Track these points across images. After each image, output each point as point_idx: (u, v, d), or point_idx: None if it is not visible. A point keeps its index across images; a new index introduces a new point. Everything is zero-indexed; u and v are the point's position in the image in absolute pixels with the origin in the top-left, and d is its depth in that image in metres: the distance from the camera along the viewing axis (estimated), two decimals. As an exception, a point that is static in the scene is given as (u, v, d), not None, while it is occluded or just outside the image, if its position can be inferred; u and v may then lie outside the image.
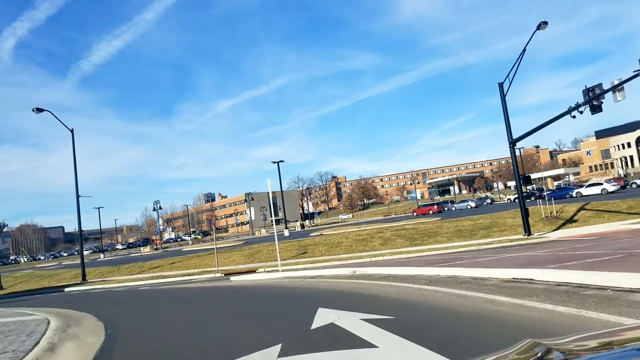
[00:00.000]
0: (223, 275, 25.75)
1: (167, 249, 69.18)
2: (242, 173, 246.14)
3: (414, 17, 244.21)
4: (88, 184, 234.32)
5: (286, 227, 61.81)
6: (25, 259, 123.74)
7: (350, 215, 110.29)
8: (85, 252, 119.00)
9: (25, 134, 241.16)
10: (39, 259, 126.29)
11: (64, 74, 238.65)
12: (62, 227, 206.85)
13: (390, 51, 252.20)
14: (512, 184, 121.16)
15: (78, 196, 29.86)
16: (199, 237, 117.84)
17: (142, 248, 75.85)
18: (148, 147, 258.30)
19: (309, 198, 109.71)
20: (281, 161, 65.55)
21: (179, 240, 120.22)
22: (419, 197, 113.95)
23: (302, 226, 78.01)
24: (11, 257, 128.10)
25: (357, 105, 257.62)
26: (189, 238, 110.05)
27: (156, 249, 70.75)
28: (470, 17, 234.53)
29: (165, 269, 31.97)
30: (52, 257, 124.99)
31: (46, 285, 35.88)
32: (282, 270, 18.59)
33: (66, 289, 27.74)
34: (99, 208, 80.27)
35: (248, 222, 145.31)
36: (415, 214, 71.37)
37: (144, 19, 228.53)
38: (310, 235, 45.90)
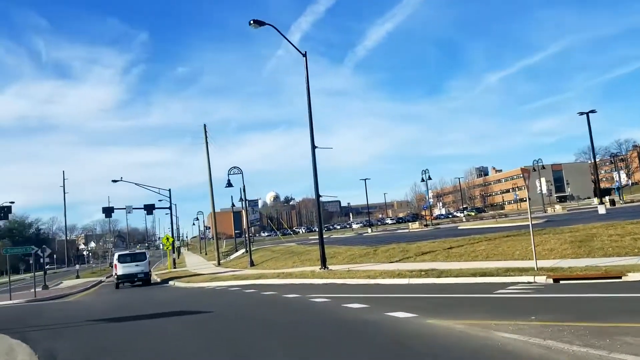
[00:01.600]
0: (551, 280, 13.35)
1: (438, 226, 58.86)
2: (515, 148, 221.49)
3: None
4: (363, 163, 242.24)
5: (601, 202, 44.81)
6: (303, 230, 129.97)
7: None
8: (355, 226, 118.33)
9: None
10: (314, 230, 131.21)
11: (341, 61, 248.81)
12: (339, 201, 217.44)
13: None
14: None
15: (313, 146, 20.87)
16: (472, 213, 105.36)
17: (410, 224, 67.35)
18: (417, 125, 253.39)
19: (617, 168, 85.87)
20: (592, 111, 47.82)
21: (450, 216, 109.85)
22: None
23: (613, 202, 58.57)
24: (294, 228, 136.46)
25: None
26: (461, 214, 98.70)
27: (426, 225, 61.09)
28: None
29: (440, 256, 20.87)
30: (326, 229, 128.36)
31: (290, 265, 28.66)
32: None
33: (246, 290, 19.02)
34: (365, 179, 74.58)
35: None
36: None
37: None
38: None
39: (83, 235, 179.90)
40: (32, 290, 27.73)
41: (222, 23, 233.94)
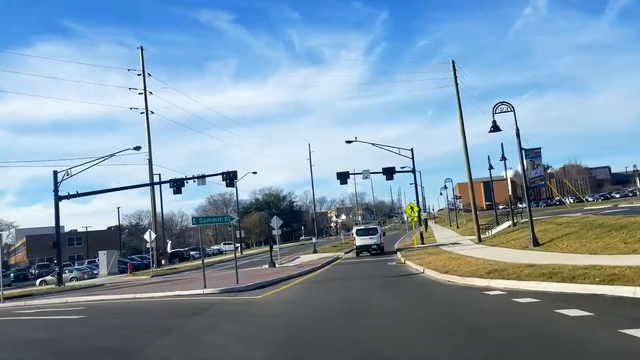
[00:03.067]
0: None
1: None
2: None
3: None
4: (632, 124, 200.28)
5: None
6: (571, 200, 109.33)
7: None
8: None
9: (566, 78, 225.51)
10: (586, 200, 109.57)
11: (600, 12, 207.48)
12: (609, 167, 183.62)
13: None
14: None
15: None
16: None
17: None
18: None
19: None
20: None
21: None
22: None
23: None
24: (556, 198, 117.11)
25: None
26: None
27: None
28: None
29: None
30: (601, 198, 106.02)
31: (620, 249, 16.76)
32: None
33: None
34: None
35: None
36: None
37: None
38: None
39: (335, 208, 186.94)
40: (237, 271, 21.51)
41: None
